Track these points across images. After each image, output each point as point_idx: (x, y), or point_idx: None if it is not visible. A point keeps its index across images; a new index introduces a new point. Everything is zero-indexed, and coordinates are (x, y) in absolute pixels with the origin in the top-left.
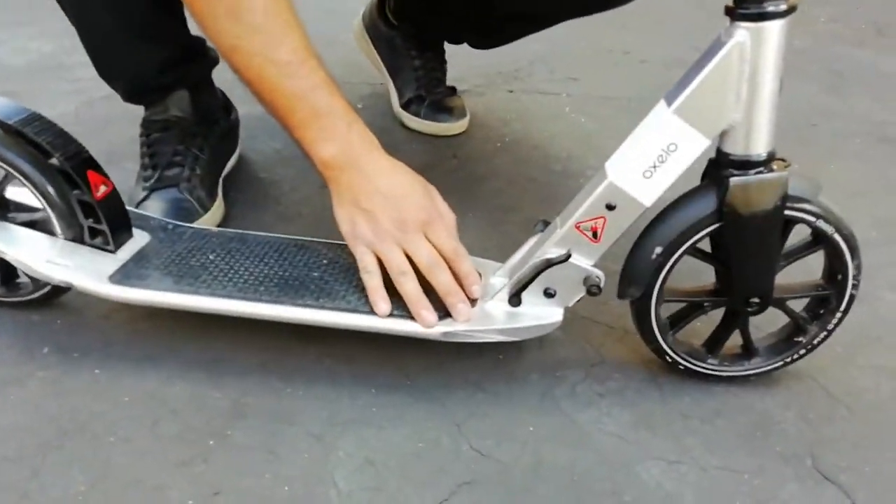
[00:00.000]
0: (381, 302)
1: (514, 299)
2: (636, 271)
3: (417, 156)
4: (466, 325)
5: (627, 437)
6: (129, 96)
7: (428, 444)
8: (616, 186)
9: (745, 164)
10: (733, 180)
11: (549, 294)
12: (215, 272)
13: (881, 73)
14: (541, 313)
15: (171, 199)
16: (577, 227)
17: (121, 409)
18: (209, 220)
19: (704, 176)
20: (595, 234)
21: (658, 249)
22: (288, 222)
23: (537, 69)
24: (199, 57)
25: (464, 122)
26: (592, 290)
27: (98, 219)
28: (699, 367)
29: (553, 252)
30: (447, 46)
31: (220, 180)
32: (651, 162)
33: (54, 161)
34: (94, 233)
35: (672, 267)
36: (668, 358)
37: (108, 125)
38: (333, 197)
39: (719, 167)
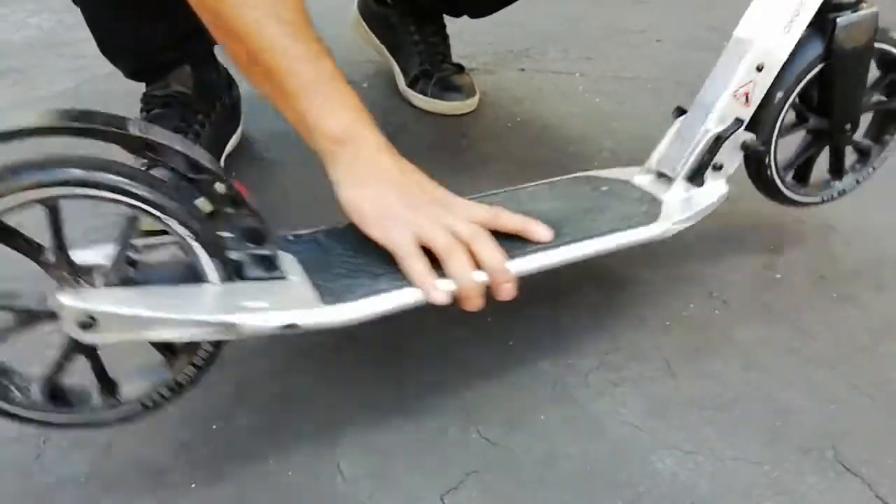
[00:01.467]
0: (436, 291)
1: (697, 179)
2: (764, 123)
3: (425, 135)
4: (664, 224)
5: (642, 427)
6: (133, 74)
7: (436, 431)
8: (763, 47)
9: (843, 6)
10: (840, 20)
11: (717, 167)
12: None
13: None
14: (710, 189)
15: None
16: (734, 96)
17: None
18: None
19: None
20: (747, 99)
21: (779, 94)
22: (290, 205)
23: (550, 48)
24: (204, 31)
25: (473, 101)
26: (749, 150)
27: (260, 239)
28: (809, 201)
29: (719, 126)
30: (453, 23)
31: (222, 160)
32: (789, 16)
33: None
34: (254, 261)
35: (788, 108)
36: (783, 198)
37: (111, 103)
38: (335, 175)
39: (823, 12)
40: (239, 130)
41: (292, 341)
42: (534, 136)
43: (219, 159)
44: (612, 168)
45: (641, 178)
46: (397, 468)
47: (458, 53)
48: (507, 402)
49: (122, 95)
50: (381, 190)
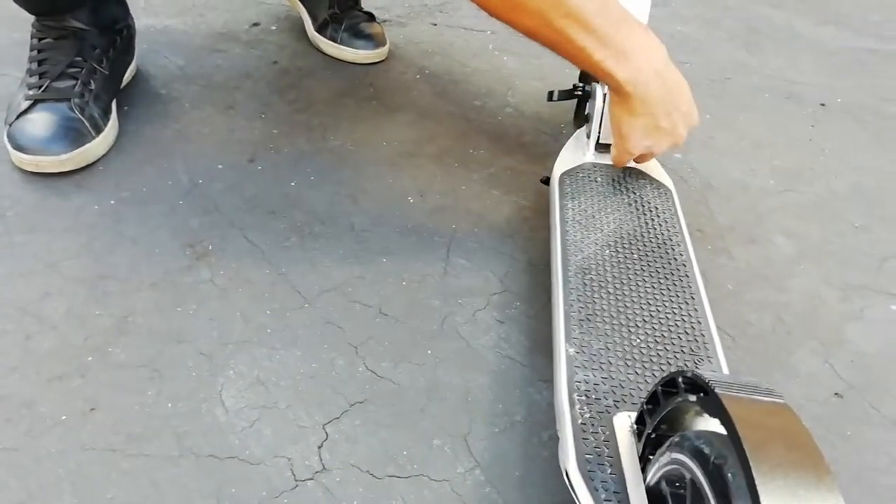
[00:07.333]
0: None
1: None
2: None
3: (332, 82)
4: None
5: (522, 361)
6: (35, 10)
7: (322, 364)
8: None
9: None
10: None
11: None
12: None
13: (794, 33)
14: None
15: (59, 116)
16: None
17: None
18: (101, 144)
19: None
20: None
21: None
22: (187, 142)
23: (464, 4)
24: None
25: (383, 51)
26: None
27: None
28: None
29: None
30: None
31: (115, 97)
32: None
33: None
34: None
35: None
36: None
37: None
38: (629, 106)
39: None
40: (133, 63)
41: (180, 278)
42: (440, 89)
43: (114, 94)
44: None
45: None
46: (281, 400)
47: (372, 5)
48: (395, 338)
49: (5, 19)
50: (651, 130)
